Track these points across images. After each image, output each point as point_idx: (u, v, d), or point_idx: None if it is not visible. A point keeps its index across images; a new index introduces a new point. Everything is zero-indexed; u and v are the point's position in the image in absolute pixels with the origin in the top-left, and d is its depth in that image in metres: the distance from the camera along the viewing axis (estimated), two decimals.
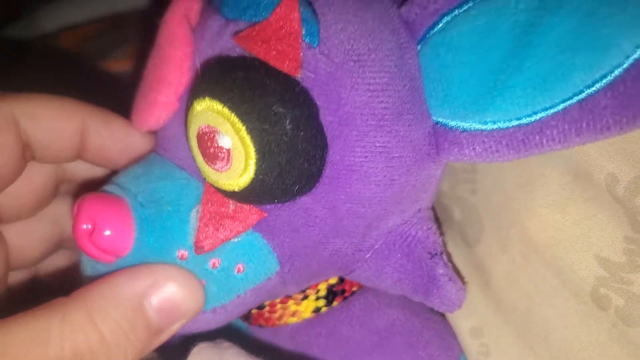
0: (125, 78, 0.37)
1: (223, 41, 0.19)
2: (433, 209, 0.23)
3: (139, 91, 0.22)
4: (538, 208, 0.21)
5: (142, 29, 0.37)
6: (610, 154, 0.19)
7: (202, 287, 0.20)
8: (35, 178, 0.24)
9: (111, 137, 0.24)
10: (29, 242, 0.24)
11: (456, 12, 0.18)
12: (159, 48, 0.21)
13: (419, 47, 0.19)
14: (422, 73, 0.19)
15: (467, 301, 0.24)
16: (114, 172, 0.25)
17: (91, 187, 0.25)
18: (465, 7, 0.18)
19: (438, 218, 0.24)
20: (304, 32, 0.18)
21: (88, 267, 0.21)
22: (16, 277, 0.25)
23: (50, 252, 0.25)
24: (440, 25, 0.19)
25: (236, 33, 0.19)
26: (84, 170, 0.25)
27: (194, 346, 0.22)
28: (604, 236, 0.20)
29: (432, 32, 0.19)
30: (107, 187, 0.21)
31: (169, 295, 0.19)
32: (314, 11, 0.18)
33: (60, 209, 0.25)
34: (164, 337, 0.20)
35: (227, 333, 0.24)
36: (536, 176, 0.21)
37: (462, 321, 0.25)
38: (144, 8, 0.39)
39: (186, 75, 0.20)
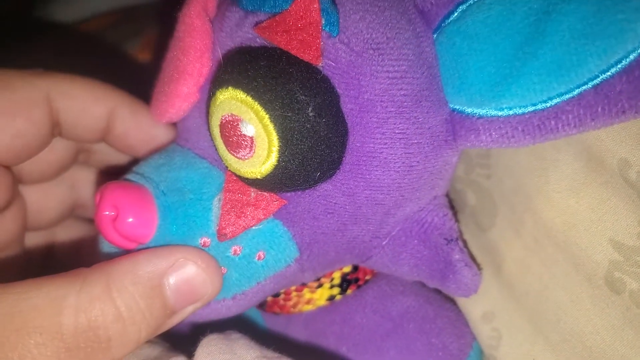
0: (141, 69, 0.37)
1: (243, 32, 0.19)
2: (447, 195, 0.23)
3: (158, 83, 0.22)
4: (551, 193, 0.21)
5: (156, 21, 0.37)
6: (623, 139, 0.19)
7: (221, 272, 0.20)
8: (58, 149, 0.24)
9: (136, 126, 0.24)
10: (46, 203, 0.25)
11: (471, 1, 0.19)
12: (178, 40, 0.21)
13: (435, 36, 0.20)
14: (438, 61, 0.20)
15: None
16: (134, 159, 0.25)
17: (112, 173, 0.26)
18: None
19: (453, 204, 0.24)
20: (323, 22, 0.18)
21: (106, 247, 0.21)
22: (33, 240, 0.25)
23: (65, 216, 0.26)
24: (456, 14, 0.19)
25: (256, 24, 0.19)
26: (104, 147, 0.26)
27: (204, 336, 0.22)
28: (618, 220, 0.20)
29: (447, 22, 0.19)
30: (130, 176, 0.21)
31: (187, 277, 0.19)
32: (332, 1, 0.19)
33: (77, 175, 0.26)
34: (177, 319, 0.20)
35: (239, 324, 0.24)
36: (549, 161, 0.21)
37: (474, 306, 0.25)
38: (157, 0, 0.40)
39: (206, 66, 0.20)
